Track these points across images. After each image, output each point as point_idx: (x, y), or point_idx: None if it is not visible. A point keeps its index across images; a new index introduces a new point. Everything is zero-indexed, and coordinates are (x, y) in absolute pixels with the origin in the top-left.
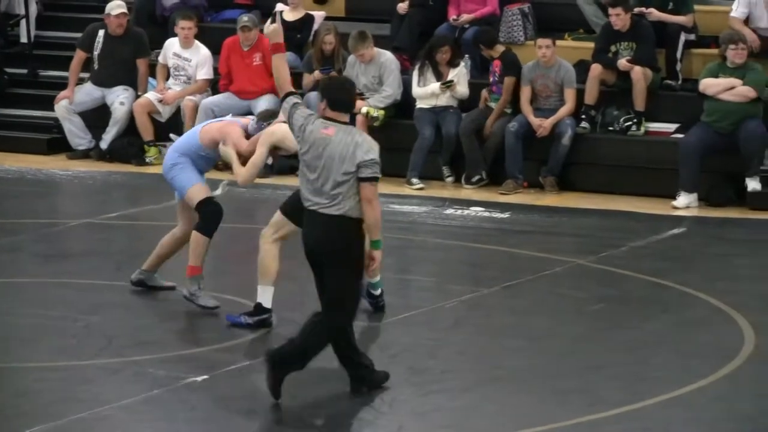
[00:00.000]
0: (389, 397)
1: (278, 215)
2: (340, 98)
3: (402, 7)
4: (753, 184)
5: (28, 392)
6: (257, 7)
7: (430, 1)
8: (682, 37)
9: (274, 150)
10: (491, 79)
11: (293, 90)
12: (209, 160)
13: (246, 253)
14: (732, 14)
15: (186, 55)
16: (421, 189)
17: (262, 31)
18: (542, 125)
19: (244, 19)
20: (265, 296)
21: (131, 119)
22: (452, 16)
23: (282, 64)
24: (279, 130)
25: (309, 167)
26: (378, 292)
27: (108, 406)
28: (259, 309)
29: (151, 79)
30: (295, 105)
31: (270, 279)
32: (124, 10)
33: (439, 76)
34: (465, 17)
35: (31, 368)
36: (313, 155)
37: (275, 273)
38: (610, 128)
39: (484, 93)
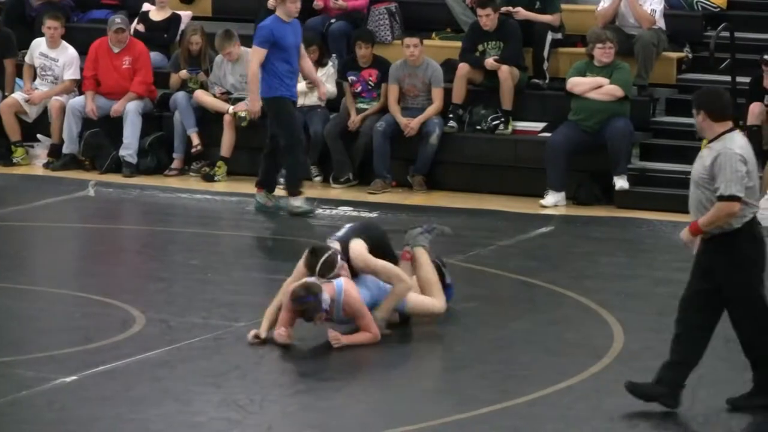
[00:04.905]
0: (258, 398)
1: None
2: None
3: (272, 3)
4: (620, 183)
5: None
6: (124, 8)
7: None
8: (549, 36)
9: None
10: (359, 83)
11: None
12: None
13: (110, 254)
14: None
15: (53, 55)
16: None
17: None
18: (410, 125)
19: (117, 20)
20: None
21: None
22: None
23: None
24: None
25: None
26: None
27: None
28: None
29: (18, 80)
30: None
31: None
32: None
33: None
34: (340, 3)
35: None
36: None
37: None
38: (478, 127)
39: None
